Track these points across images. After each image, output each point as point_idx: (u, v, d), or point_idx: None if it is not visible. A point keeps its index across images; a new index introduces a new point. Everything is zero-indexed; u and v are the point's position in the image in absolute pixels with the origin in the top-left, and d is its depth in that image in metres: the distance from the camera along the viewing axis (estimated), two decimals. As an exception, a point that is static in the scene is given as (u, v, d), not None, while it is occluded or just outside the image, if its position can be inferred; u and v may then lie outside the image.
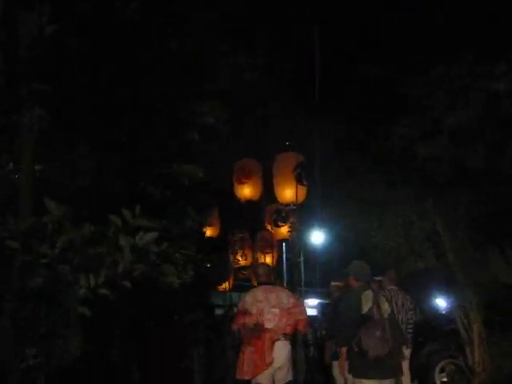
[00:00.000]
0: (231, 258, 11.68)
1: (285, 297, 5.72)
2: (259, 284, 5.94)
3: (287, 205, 9.17)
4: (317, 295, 17.00)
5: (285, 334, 5.63)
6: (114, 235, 3.49)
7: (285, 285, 19.00)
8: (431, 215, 9.02)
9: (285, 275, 18.05)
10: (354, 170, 9.95)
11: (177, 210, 5.74)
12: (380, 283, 7.82)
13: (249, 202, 9.81)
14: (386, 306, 5.24)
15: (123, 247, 3.41)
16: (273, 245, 12.27)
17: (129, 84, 5.25)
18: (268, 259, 12.48)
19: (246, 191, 9.87)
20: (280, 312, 5.56)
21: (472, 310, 7.79)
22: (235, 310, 9.31)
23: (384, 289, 7.38)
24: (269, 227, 11.35)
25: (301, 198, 8.85)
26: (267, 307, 5.57)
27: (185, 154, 5.96)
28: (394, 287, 7.35)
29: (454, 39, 7.20)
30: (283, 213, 10.65)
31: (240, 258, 11.50)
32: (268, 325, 5.53)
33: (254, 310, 5.57)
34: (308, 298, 16.31)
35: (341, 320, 5.38)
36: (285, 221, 10.64)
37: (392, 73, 7.72)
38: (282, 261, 17.50)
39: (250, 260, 11.52)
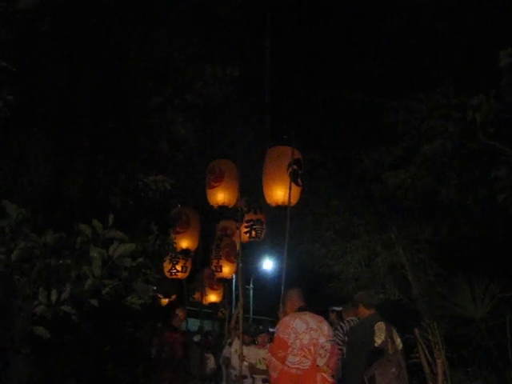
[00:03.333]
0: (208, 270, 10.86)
1: (331, 330, 4.87)
2: (300, 310, 4.87)
3: (277, 207, 7.62)
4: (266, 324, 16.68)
5: (333, 376, 4.64)
6: (83, 246, 3.08)
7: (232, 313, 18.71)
8: (396, 246, 8.87)
9: (233, 302, 17.75)
10: (318, 194, 9.80)
11: (140, 224, 5.35)
12: (339, 313, 7.63)
13: (223, 208, 8.51)
14: (398, 341, 5.02)
15: (93, 260, 2.98)
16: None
17: (96, 87, 4.97)
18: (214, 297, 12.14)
19: (219, 196, 8.50)
20: (332, 347, 4.58)
21: (436, 344, 7.61)
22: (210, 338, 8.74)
23: (343, 319, 7.17)
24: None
25: (294, 200, 7.52)
26: (322, 339, 4.57)
27: (152, 164, 5.64)
28: (353, 318, 7.11)
29: (433, 68, 7.16)
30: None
31: (215, 269, 10.46)
32: (320, 362, 4.49)
33: (306, 340, 4.51)
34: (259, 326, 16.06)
35: (352, 353, 4.95)
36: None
37: (368, 98, 7.60)
38: (232, 287, 17.22)
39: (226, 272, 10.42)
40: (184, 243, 9.53)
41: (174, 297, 10.71)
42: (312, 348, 4.49)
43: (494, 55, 6.00)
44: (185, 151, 6.11)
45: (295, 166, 7.48)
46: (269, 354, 4.57)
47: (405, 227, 8.85)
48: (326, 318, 7.88)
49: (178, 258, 10.07)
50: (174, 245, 8.77)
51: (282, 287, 6.83)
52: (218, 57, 6.41)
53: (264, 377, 7.00)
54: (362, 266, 9.49)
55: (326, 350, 4.49)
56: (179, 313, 7.87)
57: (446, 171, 7.20)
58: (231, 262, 10.16)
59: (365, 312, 5.16)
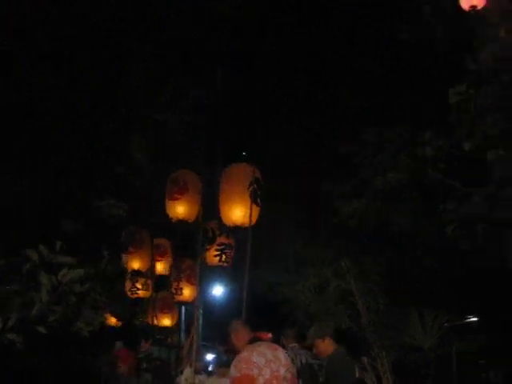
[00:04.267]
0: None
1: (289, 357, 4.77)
2: (253, 341, 4.79)
3: (235, 227, 7.15)
4: (214, 351, 16.44)
5: None
6: (30, 272, 3.01)
7: (182, 339, 18.34)
8: (347, 275, 8.98)
9: (183, 327, 17.49)
10: (272, 221, 9.83)
11: (92, 248, 5.26)
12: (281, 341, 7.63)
13: (182, 222, 7.84)
14: None
15: (41, 286, 2.90)
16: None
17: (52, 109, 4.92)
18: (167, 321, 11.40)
19: (179, 209, 7.78)
20: (292, 377, 4.37)
21: (385, 373, 7.70)
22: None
23: (286, 346, 7.17)
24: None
25: (253, 220, 7.09)
26: (282, 369, 4.32)
27: (107, 188, 5.58)
28: (295, 344, 7.14)
29: (387, 104, 7.37)
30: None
31: (174, 292, 9.70)
32: None
33: (268, 375, 4.25)
34: (207, 353, 15.85)
35: None
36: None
37: (325, 129, 7.75)
38: (181, 312, 16.96)
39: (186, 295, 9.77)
40: (135, 264, 9.22)
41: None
42: (275, 382, 4.18)
43: (445, 93, 6.22)
44: (140, 175, 6.06)
45: (255, 185, 7.10)
46: None
47: (357, 257, 8.98)
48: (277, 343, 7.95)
49: (140, 277, 9.72)
50: (125, 266, 8.58)
51: (244, 312, 6.70)
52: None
53: None
54: (313, 293, 9.53)
55: (287, 381, 4.14)
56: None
57: (398, 203, 7.36)
58: (192, 284, 9.54)
59: (329, 347, 4.98)
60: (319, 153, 8.46)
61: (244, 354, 4.40)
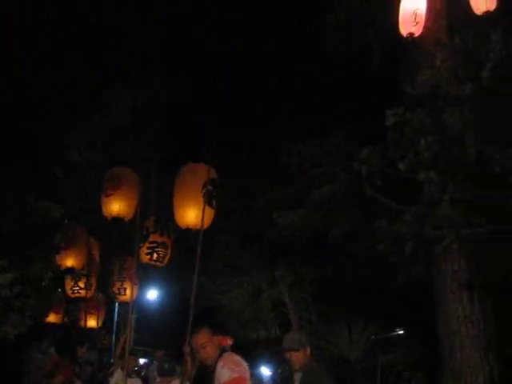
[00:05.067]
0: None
1: None
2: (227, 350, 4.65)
3: (187, 229, 6.82)
4: (144, 354, 16.15)
5: None
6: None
7: (113, 341, 17.86)
8: (280, 284, 9.13)
9: (114, 330, 17.14)
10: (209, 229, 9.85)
11: (23, 250, 5.15)
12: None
13: (117, 220, 7.50)
14: None
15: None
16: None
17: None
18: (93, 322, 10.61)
19: (114, 206, 7.45)
20: None
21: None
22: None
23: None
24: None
25: (207, 222, 6.82)
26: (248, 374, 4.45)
27: (44, 189, 5.48)
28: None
29: (326, 118, 7.56)
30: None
31: (117, 292, 9.12)
32: None
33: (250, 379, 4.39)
34: (139, 357, 15.59)
35: None
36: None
37: (265, 140, 7.86)
38: (113, 313, 16.57)
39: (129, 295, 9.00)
40: (69, 261, 8.39)
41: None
42: None
43: (383, 115, 6.41)
44: (78, 177, 5.97)
45: (210, 187, 6.79)
46: None
47: (290, 267, 9.14)
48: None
49: (81, 275, 9.08)
50: (57, 266, 8.22)
51: (190, 319, 6.44)
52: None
53: None
54: (247, 301, 9.63)
55: None
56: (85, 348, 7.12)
57: (333, 215, 7.55)
58: (135, 284, 8.87)
59: (303, 358, 4.65)
60: (259, 162, 8.59)
61: (236, 358, 4.42)
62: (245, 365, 4.23)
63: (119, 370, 6.98)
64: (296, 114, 7.74)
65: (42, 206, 5.24)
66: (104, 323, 11.98)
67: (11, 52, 4.47)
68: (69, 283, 9.21)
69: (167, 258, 8.29)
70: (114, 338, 17.75)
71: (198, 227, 6.64)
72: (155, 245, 8.10)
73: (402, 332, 8.88)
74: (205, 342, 4.36)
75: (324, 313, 8.49)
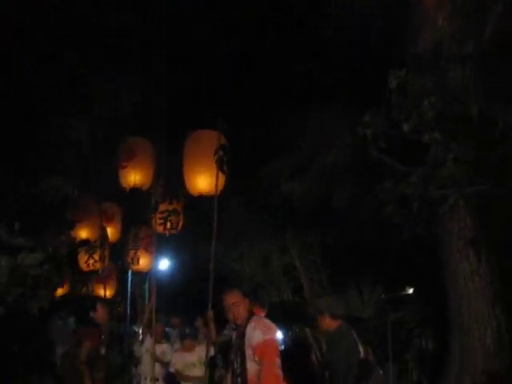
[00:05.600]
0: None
1: None
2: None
3: (200, 196, 6.76)
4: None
5: None
6: (-13, 253, 3.09)
7: (128, 312, 18.10)
8: (290, 249, 9.31)
9: (128, 299, 17.43)
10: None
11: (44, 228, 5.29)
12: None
13: (136, 190, 7.49)
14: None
15: (1, 267, 3.00)
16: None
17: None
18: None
19: (130, 177, 7.41)
20: None
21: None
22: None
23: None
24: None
25: (219, 188, 6.69)
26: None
27: (54, 168, 5.58)
28: None
29: (328, 83, 7.58)
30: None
31: (131, 261, 8.99)
32: None
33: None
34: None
35: (342, 370, 4.34)
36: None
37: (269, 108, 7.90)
38: (127, 282, 16.82)
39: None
40: (83, 233, 8.29)
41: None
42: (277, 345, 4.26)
43: (385, 76, 6.44)
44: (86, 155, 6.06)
45: (221, 153, 6.67)
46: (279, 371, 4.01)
47: (298, 232, 9.28)
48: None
49: (96, 248, 8.98)
50: (73, 239, 8.25)
51: (211, 284, 6.38)
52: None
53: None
54: (259, 267, 9.83)
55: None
56: (100, 308, 7.10)
57: (338, 181, 7.64)
58: (150, 253, 8.97)
59: (331, 323, 4.47)
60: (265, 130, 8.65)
61: (266, 321, 4.33)
62: (275, 327, 4.22)
63: (149, 337, 7.07)
64: (299, 80, 7.77)
65: (54, 184, 5.32)
66: (117, 292, 12.08)
67: (11, 52, 4.54)
68: (83, 257, 9.12)
69: (180, 224, 8.13)
70: (128, 307, 18.05)
71: (212, 193, 6.60)
72: (167, 214, 7.99)
73: (410, 291, 9.07)
74: (237, 302, 4.22)
75: (334, 275, 8.68)
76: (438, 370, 7.01)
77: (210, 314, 6.10)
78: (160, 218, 7.85)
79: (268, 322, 4.21)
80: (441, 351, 7.20)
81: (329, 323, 4.50)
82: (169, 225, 7.90)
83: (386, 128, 6.81)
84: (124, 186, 7.50)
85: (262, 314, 5.21)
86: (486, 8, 6.10)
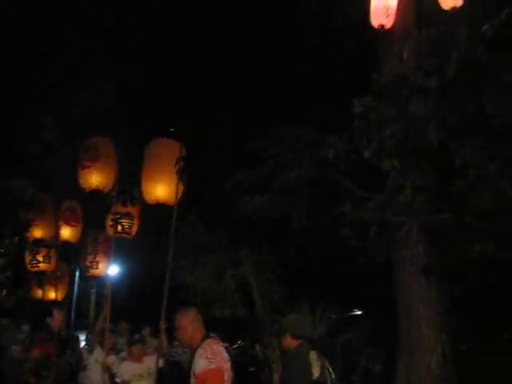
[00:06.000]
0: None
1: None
2: (209, 337, 4.22)
3: (159, 204, 6.73)
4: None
5: None
6: None
7: (72, 317, 17.60)
8: (245, 264, 9.32)
9: (73, 306, 17.05)
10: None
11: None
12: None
13: (96, 192, 7.23)
14: (330, 369, 4.68)
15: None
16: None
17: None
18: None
19: (92, 178, 7.16)
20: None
21: (275, 359, 8.13)
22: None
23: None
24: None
25: (177, 198, 6.73)
26: (228, 364, 4.11)
27: (19, 168, 5.50)
28: None
29: (294, 105, 7.68)
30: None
31: (89, 265, 8.70)
32: None
33: (228, 372, 4.07)
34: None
35: None
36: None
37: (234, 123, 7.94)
38: (73, 290, 16.42)
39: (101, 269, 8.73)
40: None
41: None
42: (226, 374, 3.95)
43: (350, 102, 6.58)
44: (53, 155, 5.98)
45: (182, 163, 6.82)
46: None
47: (254, 248, 9.32)
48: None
49: (39, 247, 8.62)
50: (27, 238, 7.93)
51: (165, 294, 6.34)
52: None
53: None
54: (212, 280, 9.77)
55: (229, 377, 3.99)
56: (56, 314, 6.60)
57: (298, 200, 7.73)
58: (108, 257, 8.73)
59: (291, 342, 4.51)
60: (227, 144, 8.69)
61: (216, 348, 3.94)
62: (225, 355, 4.02)
63: (98, 347, 6.90)
64: (266, 101, 7.86)
65: (17, 185, 5.20)
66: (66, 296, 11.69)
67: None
68: (27, 257, 8.69)
69: (134, 228, 7.90)
70: (73, 311, 17.59)
71: (170, 202, 6.69)
72: (118, 216, 7.74)
73: (360, 312, 9.26)
74: (187, 324, 4.09)
75: (286, 292, 8.75)
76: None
77: (162, 324, 6.04)
78: (111, 220, 7.68)
79: (217, 348, 4.01)
80: (388, 373, 7.36)
81: (289, 342, 4.56)
82: (119, 228, 7.68)
83: (348, 152, 6.96)
84: (84, 186, 7.25)
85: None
86: (450, 42, 6.32)
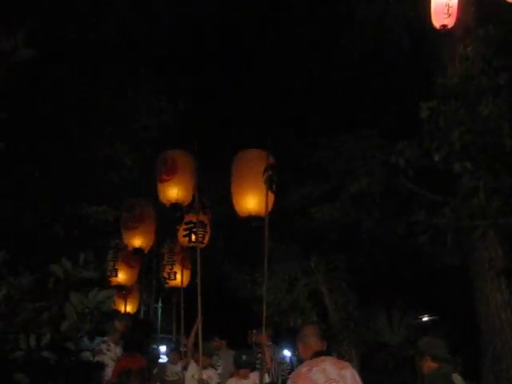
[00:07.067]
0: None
1: (358, 377, 3.80)
2: (317, 355, 3.82)
3: (251, 217, 6.59)
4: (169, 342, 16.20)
5: None
6: (55, 287, 3.17)
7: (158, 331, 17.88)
8: (315, 273, 9.35)
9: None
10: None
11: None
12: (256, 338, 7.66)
13: (176, 206, 7.10)
14: None
15: (73, 306, 3.07)
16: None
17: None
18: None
19: (171, 192, 7.04)
20: None
21: (354, 368, 8.07)
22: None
23: (260, 344, 7.31)
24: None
25: (268, 208, 6.52)
26: None
27: (98, 194, 5.71)
28: (271, 343, 7.44)
29: (361, 114, 7.68)
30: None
31: (167, 276, 8.64)
32: None
33: None
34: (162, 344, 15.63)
35: None
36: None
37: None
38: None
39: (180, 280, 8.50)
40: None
41: None
42: None
43: (417, 107, 6.54)
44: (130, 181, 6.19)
45: (270, 172, 6.58)
46: None
47: (324, 256, 9.34)
48: (246, 340, 8.10)
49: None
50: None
51: (264, 312, 6.09)
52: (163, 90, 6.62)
53: None
54: (283, 291, 9.85)
55: None
56: (118, 325, 6.63)
57: (368, 208, 7.72)
58: (187, 268, 8.67)
59: (431, 365, 4.34)
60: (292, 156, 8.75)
61: (301, 370, 3.63)
62: (311, 377, 3.65)
63: (193, 363, 6.79)
64: (330, 110, 7.89)
65: (96, 211, 5.40)
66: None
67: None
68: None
69: (207, 237, 7.79)
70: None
71: (261, 214, 6.47)
72: (191, 225, 7.61)
73: (437, 318, 9.09)
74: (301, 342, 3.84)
75: (360, 300, 8.71)
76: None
77: (265, 338, 6.03)
78: (185, 230, 7.58)
79: (309, 372, 3.70)
80: (472, 379, 7.21)
81: (429, 365, 4.39)
82: (194, 237, 7.56)
83: (418, 157, 6.91)
84: (164, 201, 7.20)
85: None
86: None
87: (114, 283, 8.74)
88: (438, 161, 6.51)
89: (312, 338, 3.84)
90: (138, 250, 7.73)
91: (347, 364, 3.70)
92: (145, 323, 8.52)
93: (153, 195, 7.41)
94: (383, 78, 7.67)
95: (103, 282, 3.22)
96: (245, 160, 6.74)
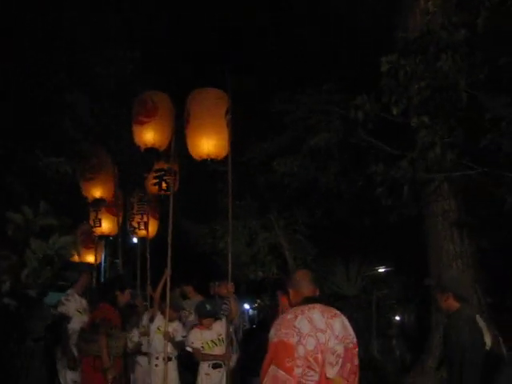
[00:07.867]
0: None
1: (349, 326, 3.48)
2: (307, 301, 3.49)
3: (212, 160, 6.11)
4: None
5: None
6: (14, 235, 3.14)
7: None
8: (275, 227, 9.48)
9: (102, 277, 17.32)
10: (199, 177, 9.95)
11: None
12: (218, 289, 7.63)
13: (151, 150, 6.59)
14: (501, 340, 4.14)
15: (32, 252, 3.06)
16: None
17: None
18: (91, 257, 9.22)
19: (148, 135, 6.50)
20: (345, 352, 3.40)
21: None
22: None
23: (219, 296, 7.28)
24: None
25: (225, 152, 6.17)
26: (332, 341, 3.37)
27: (55, 145, 5.57)
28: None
29: (320, 67, 7.67)
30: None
31: (137, 226, 8.17)
32: (330, 373, 3.35)
33: (311, 346, 3.33)
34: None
35: (466, 362, 3.83)
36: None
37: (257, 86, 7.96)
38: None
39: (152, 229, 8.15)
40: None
41: None
42: (319, 356, 3.32)
43: (377, 61, 6.56)
44: (87, 133, 6.05)
45: (230, 115, 6.16)
46: (272, 367, 3.32)
47: (283, 210, 9.45)
48: (207, 291, 8.08)
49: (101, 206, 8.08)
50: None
51: (230, 265, 5.94)
52: (119, 39, 6.44)
53: (215, 362, 5.91)
54: (243, 244, 9.94)
55: (337, 355, 3.35)
56: (82, 276, 6.67)
57: (327, 162, 7.80)
58: (156, 219, 8.33)
59: (453, 304, 4.06)
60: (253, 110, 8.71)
61: (286, 317, 3.28)
62: (295, 325, 3.38)
63: (159, 315, 6.59)
64: (290, 63, 7.85)
65: (54, 161, 5.26)
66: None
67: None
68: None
69: (176, 185, 7.40)
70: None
71: (221, 157, 6.12)
72: (162, 173, 7.24)
73: (392, 269, 9.40)
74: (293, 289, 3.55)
75: (318, 253, 8.90)
76: (420, 346, 7.33)
77: (231, 287, 6.04)
78: (154, 178, 7.23)
79: (294, 320, 3.43)
80: (422, 327, 7.53)
81: (451, 304, 4.11)
82: (164, 185, 7.18)
83: (377, 111, 6.96)
84: (139, 144, 6.68)
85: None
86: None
87: (98, 233, 8.49)
88: (396, 115, 6.62)
89: (303, 283, 3.56)
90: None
91: (338, 312, 3.44)
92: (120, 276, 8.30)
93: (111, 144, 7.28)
94: (344, 32, 7.65)
95: (64, 229, 3.19)
96: (202, 99, 6.23)
